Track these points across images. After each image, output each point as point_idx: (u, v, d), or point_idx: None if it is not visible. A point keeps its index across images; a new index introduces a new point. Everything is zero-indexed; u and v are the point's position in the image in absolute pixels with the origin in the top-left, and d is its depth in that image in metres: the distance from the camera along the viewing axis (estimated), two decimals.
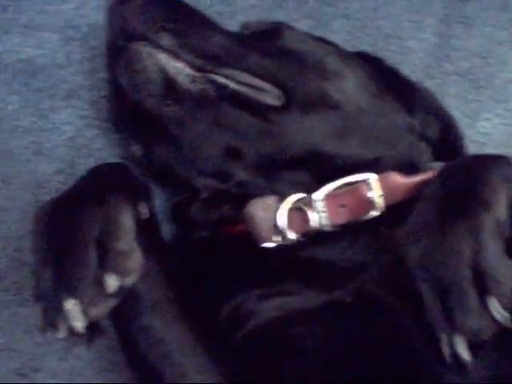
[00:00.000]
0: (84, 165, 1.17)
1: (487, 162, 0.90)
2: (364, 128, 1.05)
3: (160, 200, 1.16)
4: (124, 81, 1.02)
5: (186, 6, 1.07)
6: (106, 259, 0.82)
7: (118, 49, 1.02)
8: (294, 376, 0.89)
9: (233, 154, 1.02)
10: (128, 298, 0.90)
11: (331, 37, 1.35)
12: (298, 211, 0.98)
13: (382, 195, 0.98)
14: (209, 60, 1.01)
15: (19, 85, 1.25)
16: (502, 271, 0.78)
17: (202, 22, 1.05)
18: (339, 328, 0.89)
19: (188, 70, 1.00)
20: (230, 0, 1.40)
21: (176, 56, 1.00)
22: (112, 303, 0.84)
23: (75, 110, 1.24)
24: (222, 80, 1.01)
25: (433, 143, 1.15)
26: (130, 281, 0.84)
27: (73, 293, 0.81)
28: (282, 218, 0.97)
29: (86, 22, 1.31)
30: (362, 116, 1.05)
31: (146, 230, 0.93)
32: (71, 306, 0.81)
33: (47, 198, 0.94)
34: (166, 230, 1.14)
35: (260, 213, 0.98)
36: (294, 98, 1.02)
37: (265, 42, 1.07)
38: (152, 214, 0.99)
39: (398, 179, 1.00)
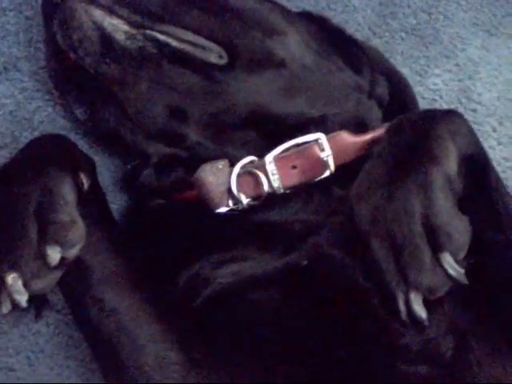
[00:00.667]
0: (28, 138, 1.14)
1: (435, 117, 0.91)
2: (310, 86, 1.05)
3: (110, 171, 1.16)
4: (60, 39, 0.99)
5: None
6: (47, 231, 0.82)
7: (54, 6, 0.99)
8: (252, 342, 0.89)
9: (178, 114, 1.01)
10: (77, 270, 0.91)
11: None
12: (250, 174, 0.99)
13: (332, 155, 0.99)
14: (147, 16, 0.98)
15: None
16: (454, 226, 0.79)
17: None
18: (296, 292, 0.90)
19: (125, 27, 0.97)
20: None
21: (112, 12, 0.97)
22: (56, 275, 0.84)
23: (14, 82, 1.21)
24: (161, 37, 0.98)
25: (383, 102, 1.15)
26: (73, 252, 0.84)
27: (14, 267, 0.81)
28: (233, 182, 0.98)
29: None
30: (308, 74, 1.05)
31: (91, 201, 0.94)
32: (12, 279, 0.80)
33: None
34: (120, 199, 1.15)
35: (211, 178, 0.98)
36: (237, 56, 1.01)
37: (205, 2, 1.05)
38: (96, 185, 1.00)
39: (348, 138, 1.01)
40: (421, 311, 0.78)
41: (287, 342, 0.88)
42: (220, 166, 0.99)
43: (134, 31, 0.97)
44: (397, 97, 1.17)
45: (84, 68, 0.99)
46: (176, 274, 0.97)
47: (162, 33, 0.98)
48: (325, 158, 0.99)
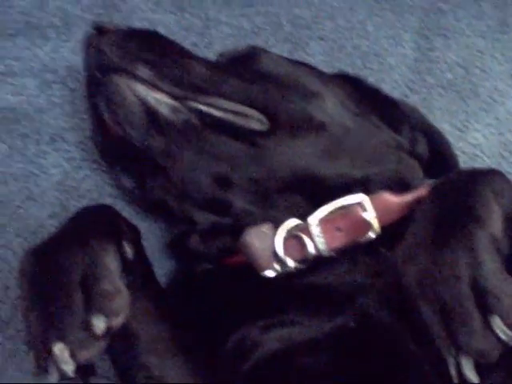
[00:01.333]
0: (76, 207, 1.15)
1: (478, 177, 0.91)
2: (351, 147, 1.06)
3: (156, 236, 1.19)
4: (106, 115, 1.03)
5: (162, 36, 1.09)
6: (92, 301, 0.83)
7: (97, 82, 1.03)
8: None
9: (222, 181, 1.02)
10: (124, 338, 0.93)
11: (309, 60, 1.40)
12: (295, 238, 0.99)
13: (376, 216, 0.99)
14: (189, 89, 1.02)
15: (3, 132, 1.26)
16: (502, 288, 0.78)
17: (178, 52, 1.07)
18: (345, 356, 0.89)
19: (168, 100, 1.01)
20: (205, 31, 1.43)
21: (155, 87, 1.01)
22: (102, 344, 0.85)
23: (61, 152, 1.26)
24: (204, 108, 1.02)
25: (423, 160, 1.16)
26: (118, 321, 0.85)
27: (60, 337, 0.82)
28: (279, 245, 0.98)
29: (64, 65, 1.34)
30: (348, 135, 1.07)
31: (136, 268, 0.96)
32: (59, 350, 0.81)
33: None
34: (167, 264, 1.16)
35: (256, 242, 0.98)
36: (278, 122, 1.03)
37: (242, 67, 1.09)
38: (142, 253, 1.02)
39: (391, 198, 1.01)
40: (472, 376, 0.76)
41: None
42: (264, 230, 0.99)
43: (177, 104, 1.01)
44: (437, 154, 1.19)
45: (128, 141, 1.03)
46: (224, 338, 0.97)
47: (205, 104, 1.02)
48: (369, 219, 0.98)
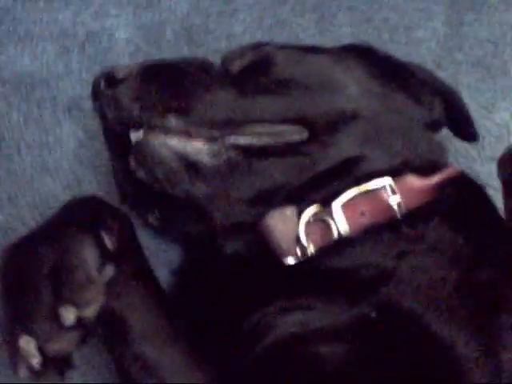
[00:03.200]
0: (90, 178, 1.21)
1: None
2: (386, 129, 1.06)
3: None
4: (141, 175, 0.98)
5: (178, 67, 1.04)
6: (61, 292, 0.84)
7: (121, 137, 0.98)
8: None
9: (262, 197, 1.00)
10: (118, 328, 0.94)
11: (336, 30, 1.40)
12: (318, 223, 0.99)
13: (401, 200, 0.99)
14: (221, 126, 0.97)
15: (20, 99, 1.28)
16: None
17: (199, 84, 1.01)
18: (363, 348, 0.88)
19: (206, 146, 0.96)
20: None
21: (189, 135, 0.96)
22: (75, 336, 0.85)
23: (77, 122, 1.27)
24: (242, 141, 0.98)
25: (441, 125, 1.16)
26: (89, 312, 0.85)
27: (26, 329, 0.83)
28: (302, 230, 0.98)
29: (83, 30, 1.34)
30: (380, 117, 1.06)
31: (128, 259, 0.96)
32: (25, 342, 0.82)
33: None
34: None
35: (280, 225, 0.99)
36: (315, 126, 1.01)
37: (259, 78, 1.05)
38: (132, 243, 1.02)
39: (416, 182, 1.01)
40: None
41: None
42: (288, 213, 0.99)
43: (215, 147, 0.96)
44: (454, 114, 1.17)
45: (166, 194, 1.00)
46: (239, 321, 0.97)
47: (241, 136, 0.98)
48: (394, 204, 0.99)
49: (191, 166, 0.96)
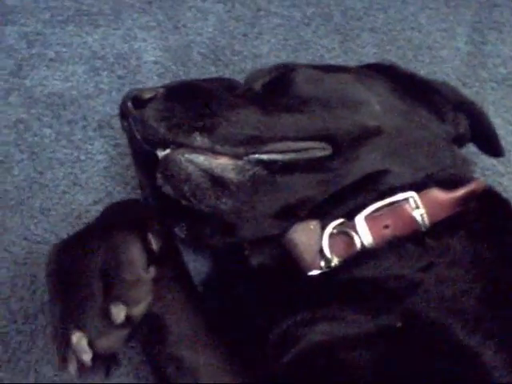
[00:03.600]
0: (121, 193, 1.23)
1: None
2: (409, 144, 1.07)
3: None
4: (168, 191, 1.00)
5: (202, 87, 1.07)
6: (111, 290, 0.86)
7: (148, 155, 1.00)
8: None
9: (287, 212, 1.02)
10: (156, 329, 0.95)
11: (359, 51, 1.43)
12: (341, 235, 1.00)
13: (425, 213, 1.00)
14: (247, 143, 0.99)
15: (51, 118, 1.30)
16: None
17: (219, 103, 1.03)
18: (389, 356, 0.89)
19: (231, 162, 0.98)
20: (255, 21, 1.45)
21: (215, 153, 0.98)
22: (122, 333, 0.86)
23: (108, 139, 1.29)
24: (266, 157, 1.00)
25: (466, 139, 1.17)
26: (138, 310, 0.87)
27: (79, 326, 0.84)
28: (325, 242, 0.99)
29: (113, 52, 1.37)
30: (403, 133, 1.08)
31: (166, 261, 0.97)
32: (77, 338, 0.84)
33: None
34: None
35: (303, 238, 1.00)
36: (338, 142, 1.03)
37: (281, 96, 1.08)
38: (172, 246, 1.03)
39: (440, 195, 1.02)
40: None
41: None
42: (312, 227, 1.01)
43: (240, 163, 0.98)
44: (478, 129, 1.18)
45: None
46: (266, 332, 0.98)
47: (266, 153, 1.00)
48: (418, 217, 1.00)
49: (217, 182, 0.98)
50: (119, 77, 1.33)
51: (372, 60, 1.36)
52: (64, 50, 1.37)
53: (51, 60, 1.36)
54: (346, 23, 1.46)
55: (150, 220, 0.98)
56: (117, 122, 1.26)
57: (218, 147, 0.97)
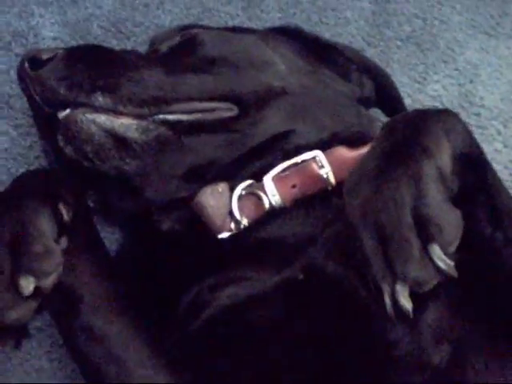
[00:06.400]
0: None
1: (429, 115, 0.92)
2: (313, 105, 1.09)
3: None
4: (71, 152, 0.99)
5: (103, 50, 1.07)
6: (20, 262, 0.85)
7: (49, 117, 0.99)
8: (254, 363, 0.91)
9: (195, 175, 1.03)
10: (66, 298, 0.95)
11: (264, 17, 1.42)
12: (250, 196, 1.02)
13: (331, 171, 1.02)
14: (150, 103, 0.99)
15: None
16: (445, 218, 0.79)
17: (126, 64, 1.03)
18: (294, 307, 0.91)
19: (135, 122, 0.98)
20: None
21: (117, 113, 0.98)
22: (32, 305, 0.86)
23: (8, 120, 1.27)
24: (171, 117, 1.00)
25: (371, 102, 1.20)
26: (47, 282, 0.86)
27: None
28: (235, 204, 1.01)
29: (9, 30, 1.34)
30: (308, 94, 1.09)
31: (80, 230, 0.97)
32: None
33: None
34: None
35: (212, 201, 1.01)
36: (244, 103, 1.05)
37: (187, 57, 1.08)
38: (85, 216, 1.02)
39: (346, 153, 1.04)
40: (406, 303, 0.77)
41: (291, 360, 0.90)
42: (220, 190, 1.02)
43: (144, 123, 0.99)
44: (382, 93, 1.22)
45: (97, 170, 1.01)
46: (174, 298, 0.99)
47: (170, 113, 1.00)
48: (324, 175, 1.02)
49: (120, 143, 0.98)
50: (17, 55, 1.30)
51: (277, 24, 1.36)
52: None
53: None
54: None
55: (61, 189, 0.97)
56: (17, 102, 1.27)
57: (120, 107, 0.98)
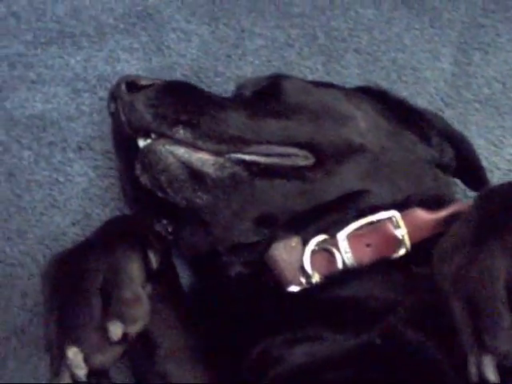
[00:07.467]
0: (99, 215, 1.24)
1: None
2: (390, 166, 1.08)
3: None
4: (146, 181, 1.02)
5: (195, 88, 1.10)
6: (110, 307, 0.87)
7: (130, 143, 1.03)
8: None
9: (266, 221, 1.03)
10: (144, 345, 0.97)
11: (343, 72, 1.44)
12: (322, 252, 1.01)
13: (407, 232, 1.01)
14: (230, 142, 1.01)
15: (30, 140, 1.31)
16: None
17: (213, 104, 1.05)
18: (370, 373, 0.89)
19: (212, 158, 1.00)
20: (239, 42, 1.46)
21: (196, 147, 1.00)
22: (118, 351, 0.88)
23: (87, 161, 1.30)
24: (248, 158, 1.02)
25: (451, 168, 1.18)
26: (135, 328, 0.88)
27: (75, 341, 0.85)
28: (307, 259, 1.00)
29: (95, 74, 1.39)
30: (386, 154, 1.09)
31: (163, 278, 0.99)
32: (73, 353, 0.84)
33: None
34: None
35: (284, 255, 1.01)
36: (321, 153, 1.05)
37: (272, 102, 1.10)
38: (169, 263, 1.05)
39: (423, 215, 1.03)
40: (492, 376, 0.76)
41: None
42: (293, 244, 1.02)
43: (221, 160, 1.01)
44: (463, 160, 1.20)
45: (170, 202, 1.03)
46: (246, 350, 0.98)
47: (248, 153, 1.02)
48: (400, 236, 1.01)
49: (195, 176, 1.00)
50: (101, 98, 1.34)
51: (356, 81, 1.38)
52: (46, 71, 1.39)
53: (32, 82, 1.37)
54: (330, 44, 1.47)
55: (149, 236, 0.99)
56: (97, 144, 1.30)
57: (199, 142, 1.00)
